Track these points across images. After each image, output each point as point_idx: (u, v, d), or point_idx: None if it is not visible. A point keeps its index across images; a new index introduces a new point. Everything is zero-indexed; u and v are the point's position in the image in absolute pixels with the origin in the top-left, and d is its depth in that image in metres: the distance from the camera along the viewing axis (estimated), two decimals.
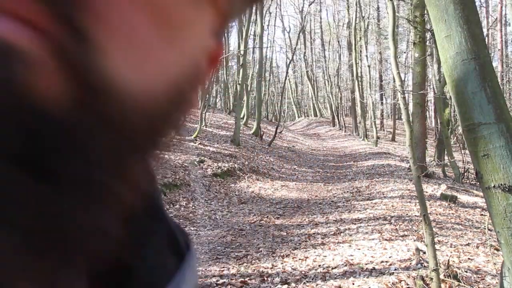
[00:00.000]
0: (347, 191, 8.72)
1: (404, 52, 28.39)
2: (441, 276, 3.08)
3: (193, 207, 7.18)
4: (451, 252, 4.23)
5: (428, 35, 10.75)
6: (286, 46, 36.44)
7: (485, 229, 5.03)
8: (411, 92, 10.52)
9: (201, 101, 18.40)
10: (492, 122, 1.94)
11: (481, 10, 24.04)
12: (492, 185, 1.96)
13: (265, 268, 4.02)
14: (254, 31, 23.12)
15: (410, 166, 6.12)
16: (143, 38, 0.21)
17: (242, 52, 16.59)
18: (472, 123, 2.00)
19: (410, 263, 3.83)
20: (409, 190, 7.77)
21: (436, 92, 12.01)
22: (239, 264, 4.22)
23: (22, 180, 0.17)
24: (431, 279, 2.94)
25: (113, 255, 0.22)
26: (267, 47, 29.90)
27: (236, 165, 10.88)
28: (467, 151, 12.88)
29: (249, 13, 17.18)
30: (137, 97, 0.21)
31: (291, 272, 3.87)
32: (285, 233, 5.58)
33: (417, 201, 4.15)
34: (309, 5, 26.21)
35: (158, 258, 0.28)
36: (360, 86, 23.81)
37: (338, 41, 32.38)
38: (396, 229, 5.15)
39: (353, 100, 26.75)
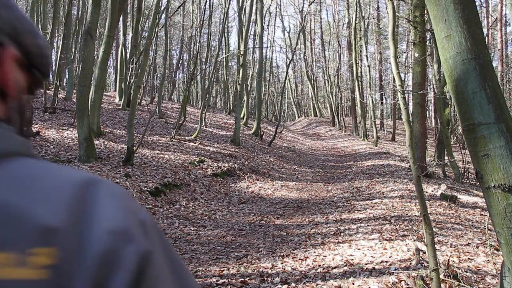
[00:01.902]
0: (347, 191, 8.71)
1: (404, 52, 28.39)
2: (441, 276, 3.08)
3: (193, 207, 7.18)
4: (451, 252, 4.23)
5: (428, 35, 10.74)
6: (286, 46, 36.42)
7: (485, 229, 5.03)
8: (411, 92, 10.51)
9: (201, 101, 18.36)
10: (492, 122, 1.94)
11: (481, 10, 24.03)
12: (492, 185, 1.96)
13: (265, 268, 4.02)
14: (254, 31, 23.12)
15: (410, 166, 6.11)
16: None
17: (242, 52, 16.58)
18: (472, 123, 2.00)
19: (410, 263, 3.83)
20: (409, 190, 7.77)
21: (436, 92, 12.01)
22: (239, 264, 4.21)
23: None
24: (431, 279, 2.94)
25: None
26: (267, 47, 29.88)
27: (236, 165, 10.88)
28: (467, 151, 12.94)
29: (249, 13, 17.17)
30: None
31: (291, 272, 3.87)
32: (285, 233, 5.58)
33: (417, 201, 4.15)
34: (309, 5, 26.19)
35: None
36: (360, 86, 23.81)
37: (338, 41, 32.36)
38: (396, 229, 5.15)
39: (353, 100, 26.75)
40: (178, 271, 0.42)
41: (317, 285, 3.50)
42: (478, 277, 3.58)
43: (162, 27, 19.11)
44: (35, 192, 0.38)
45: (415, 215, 5.79)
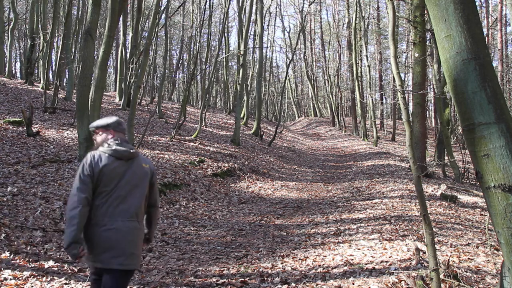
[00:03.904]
0: (347, 191, 8.71)
1: (404, 52, 28.37)
2: (441, 276, 3.07)
3: (193, 207, 7.17)
4: (451, 252, 4.23)
5: (428, 35, 10.74)
6: (286, 46, 36.42)
7: (485, 229, 5.03)
8: (411, 92, 10.51)
9: (201, 101, 18.39)
10: (492, 122, 1.94)
11: (481, 10, 24.03)
12: (492, 185, 1.96)
13: (265, 268, 4.02)
14: (254, 31, 23.11)
15: (410, 166, 6.11)
16: None
17: (242, 52, 16.58)
18: (472, 123, 2.00)
19: (410, 263, 3.83)
20: (409, 190, 7.77)
21: (436, 92, 12.01)
22: (239, 264, 4.22)
23: None
24: (431, 279, 2.94)
25: None
26: (267, 47, 29.88)
27: (236, 165, 10.88)
28: (467, 151, 12.90)
29: (249, 13, 17.18)
30: None
31: (291, 272, 3.86)
32: (285, 233, 5.58)
33: (417, 201, 4.15)
34: (309, 5, 26.17)
35: None
36: (360, 86, 23.81)
37: (338, 41, 32.36)
38: (396, 229, 5.15)
39: (353, 100, 26.75)
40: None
41: (317, 285, 3.50)
42: (478, 277, 3.58)
43: (162, 27, 19.10)
44: (145, 158, 2.54)
45: (415, 215, 5.78)
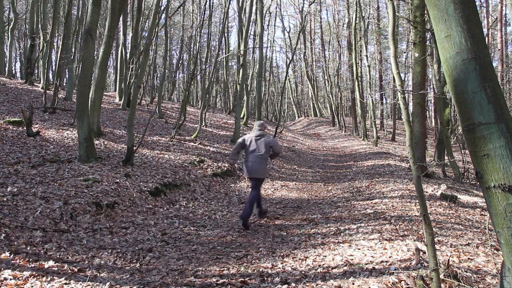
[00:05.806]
0: (347, 191, 8.71)
1: (404, 52, 28.38)
2: (441, 276, 3.08)
3: (193, 207, 7.18)
4: (451, 252, 4.23)
5: (428, 35, 10.74)
6: (286, 46, 36.42)
7: (485, 229, 5.03)
8: (411, 92, 10.51)
9: (201, 101, 18.41)
10: (492, 122, 1.94)
11: (481, 10, 24.03)
12: (492, 185, 1.96)
13: (265, 268, 4.02)
14: (254, 31, 23.12)
15: (410, 166, 6.10)
16: None
17: (242, 52, 16.57)
18: (472, 123, 2.00)
19: (410, 263, 3.83)
20: (409, 190, 7.77)
21: (436, 92, 12.00)
22: (239, 264, 4.22)
23: None
24: (431, 279, 2.94)
25: None
26: (267, 47, 29.89)
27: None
28: (467, 151, 12.89)
29: (249, 13, 17.17)
30: None
31: (291, 272, 3.86)
32: (285, 233, 5.58)
33: (417, 201, 4.15)
34: (309, 5, 26.17)
35: None
36: (360, 86, 23.81)
37: (338, 41, 32.37)
38: (396, 229, 5.15)
39: (353, 100, 26.75)
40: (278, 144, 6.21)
41: (317, 285, 3.50)
42: (478, 277, 3.58)
43: (162, 27, 19.10)
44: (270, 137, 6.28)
45: (415, 215, 5.79)
